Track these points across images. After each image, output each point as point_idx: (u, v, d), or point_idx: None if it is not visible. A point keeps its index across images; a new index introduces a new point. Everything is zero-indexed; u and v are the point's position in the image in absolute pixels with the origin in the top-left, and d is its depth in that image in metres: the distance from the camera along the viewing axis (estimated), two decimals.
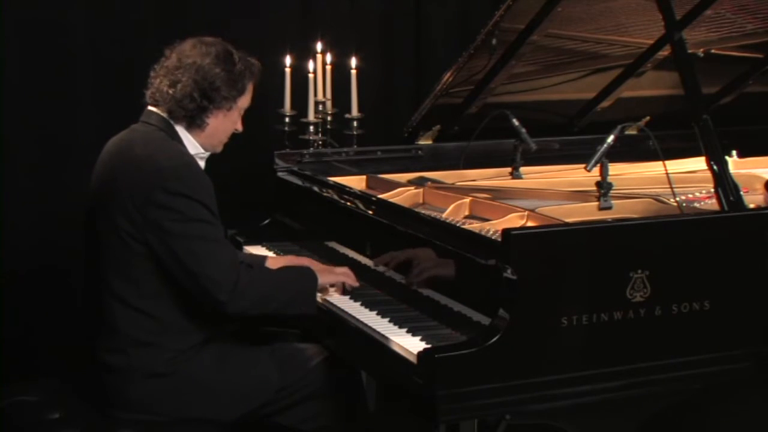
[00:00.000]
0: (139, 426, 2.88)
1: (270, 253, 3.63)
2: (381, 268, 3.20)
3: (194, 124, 3.00)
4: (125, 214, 2.86)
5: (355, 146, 4.13)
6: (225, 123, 3.05)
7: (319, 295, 3.10)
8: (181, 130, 3.01)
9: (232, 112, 3.05)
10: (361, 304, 3.06)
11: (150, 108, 3.04)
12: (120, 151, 3.00)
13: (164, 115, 3.00)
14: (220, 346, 3.00)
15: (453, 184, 3.70)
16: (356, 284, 3.14)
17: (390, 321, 2.91)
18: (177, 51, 3.02)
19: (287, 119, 4.12)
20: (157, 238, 2.84)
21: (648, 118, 3.80)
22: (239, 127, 3.12)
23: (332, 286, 3.15)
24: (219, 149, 3.12)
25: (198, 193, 2.86)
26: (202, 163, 3.05)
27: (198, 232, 2.85)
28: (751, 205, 3.11)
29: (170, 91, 2.97)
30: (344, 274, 3.15)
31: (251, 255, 3.53)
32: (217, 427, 2.94)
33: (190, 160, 2.96)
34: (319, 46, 4.23)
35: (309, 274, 3.08)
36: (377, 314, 2.97)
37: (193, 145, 3.02)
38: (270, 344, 3.12)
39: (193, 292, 2.87)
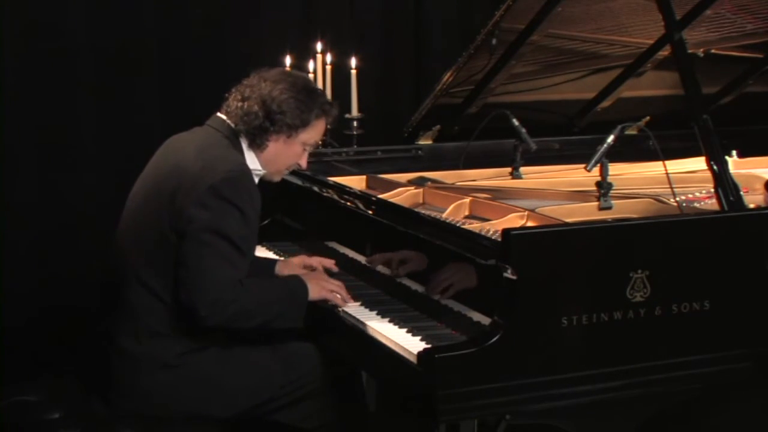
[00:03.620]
0: (141, 423, 2.89)
1: (270, 254, 3.63)
2: (379, 268, 3.20)
3: (254, 143, 3.03)
4: (171, 205, 2.89)
5: (355, 146, 4.13)
6: (285, 151, 3.07)
7: None
8: (244, 145, 3.04)
9: (293, 142, 3.06)
10: (361, 304, 3.06)
11: (219, 114, 3.07)
12: (182, 149, 3.03)
13: (232, 125, 3.04)
14: (228, 341, 3.00)
15: (453, 184, 3.70)
16: (345, 304, 3.05)
17: (390, 321, 2.91)
18: (261, 73, 3.07)
19: None
20: (183, 230, 2.87)
21: (648, 118, 3.80)
22: (303, 164, 3.14)
23: (321, 301, 3.09)
24: (276, 178, 3.15)
25: (243, 203, 2.88)
26: (255, 180, 3.05)
27: (216, 243, 2.85)
28: (751, 205, 3.11)
29: (239, 105, 3.02)
30: (334, 293, 3.07)
31: (259, 258, 3.52)
32: (218, 424, 2.94)
33: (247, 170, 2.98)
34: (319, 46, 4.24)
35: (300, 289, 3.03)
36: (377, 314, 2.97)
37: (252, 160, 3.04)
38: (272, 342, 3.10)
39: (179, 294, 2.87)
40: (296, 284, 3.06)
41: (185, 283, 2.86)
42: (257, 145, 3.04)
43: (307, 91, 3.06)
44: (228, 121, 3.05)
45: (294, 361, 3.06)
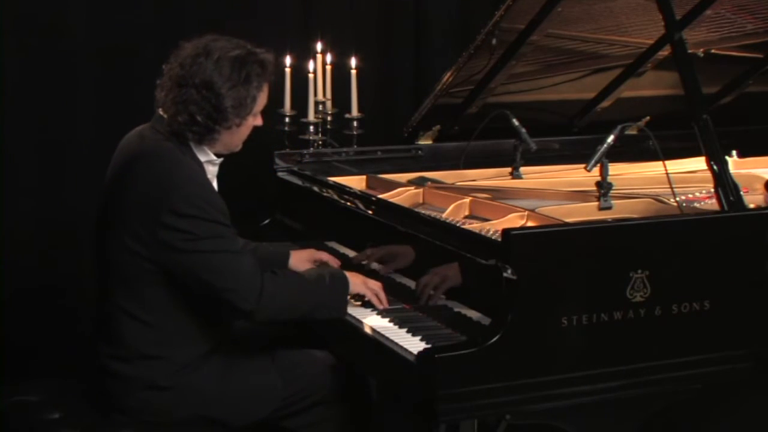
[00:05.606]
0: (141, 426, 2.87)
1: None
2: (376, 266, 3.20)
3: (203, 141, 2.89)
4: (132, 233, 2.79)
5: (355, 146, 4.13)
6: (239, 133, 2.92)
7: None
8: (192, 143, 2.89)
9: (244, 124, 2.90)
10: (361, 305, 3.05)
11: (161, 113, 2.90)
12: (128, 163, 2.89)
13: (174, 127, 2.86)
14: (224, 357, 2.93)
15: (453, 184, 3.70)
16: (384, 305, 3.00)
17: (390, 321, 2.91)
18: (180, 59, 2.85)
19: (287, 119, 4.13)
20: (170, 259, 2.78)
21: (648, 118, 3.80)
22: (259, 123, 2.96)
23: (360, 296, 3.03)
24: (238, 149, 2.98)
25: (208, 212, 2.77)
26: (214, 170, 2.95)
27: (212, 247, 2.77)
28: (751, 205, 3.11)
29: (173, 113, 2.83)
30: (375, 292, 3.01)
31: (274, 246, 3.45)
32: (221, 429, 2.92)
33: (198, 177, 2.84)
34: (319, 46, 4.24)
35: (341, 279, 2.97)
36: (377, 314, 2.97)
37: (204, 153, 2.91)
38: (273, 351, 3.04)
39: (221, 306, 2.81)
40: (336, 273, 3.00)
41: (215, 293, 2.77)
42: (207, 141, 2.88)
43: (238, 68, 2.82)
44: (169, 120, 2.86)
45: (297, 372, 2.99)
